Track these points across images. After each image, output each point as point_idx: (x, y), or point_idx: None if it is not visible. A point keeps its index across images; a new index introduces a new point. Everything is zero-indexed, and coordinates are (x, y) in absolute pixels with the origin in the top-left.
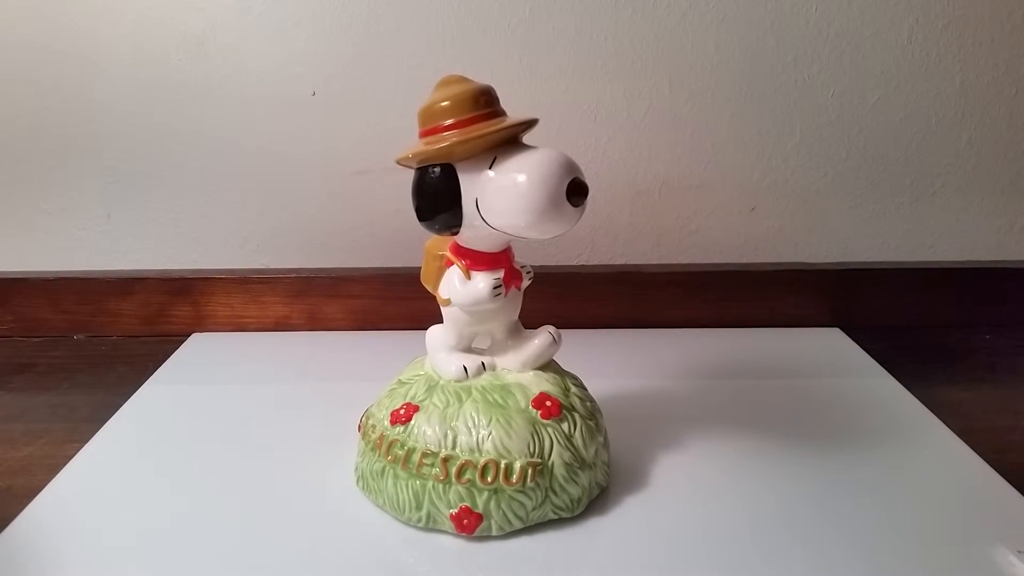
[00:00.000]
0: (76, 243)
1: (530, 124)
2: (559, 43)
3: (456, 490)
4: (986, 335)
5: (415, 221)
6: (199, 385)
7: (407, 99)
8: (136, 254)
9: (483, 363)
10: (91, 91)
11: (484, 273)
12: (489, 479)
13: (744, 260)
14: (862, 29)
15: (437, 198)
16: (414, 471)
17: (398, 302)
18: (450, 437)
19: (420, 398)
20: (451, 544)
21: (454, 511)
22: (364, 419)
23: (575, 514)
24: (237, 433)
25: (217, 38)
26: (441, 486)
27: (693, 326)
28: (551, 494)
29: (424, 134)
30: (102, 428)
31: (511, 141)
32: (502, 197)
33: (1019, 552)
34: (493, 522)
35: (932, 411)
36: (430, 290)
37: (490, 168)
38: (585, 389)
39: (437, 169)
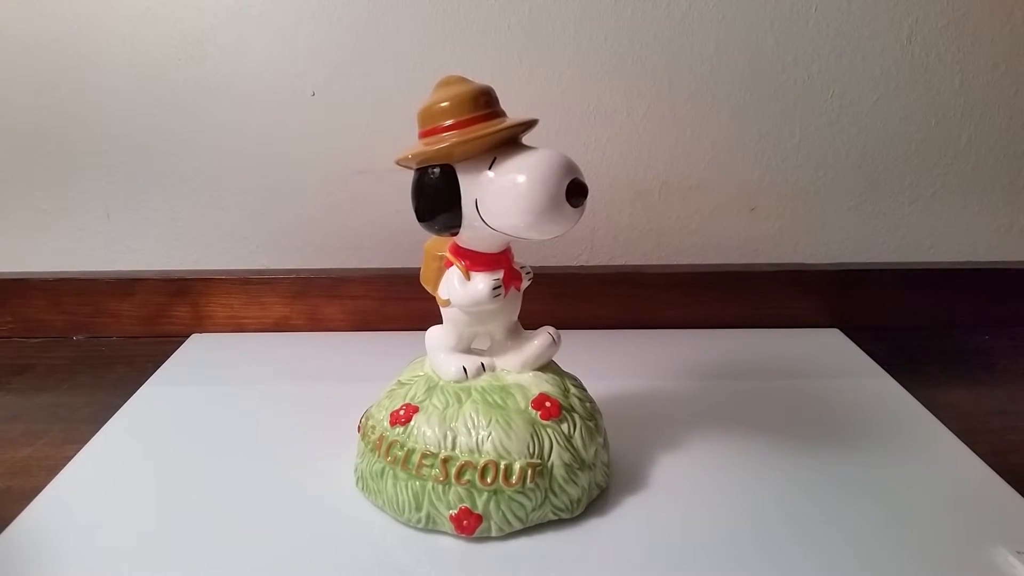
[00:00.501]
0: (76, 243)
1: (530, 125)
2: (558, 43)
3: (456, 491)
4: (986, 335)
5: (415, 221)
6: (199, 386)
7: (407, 99)
8: (136, 254)
9: (483, 364)
10: (91, 91)
11: (483, 274)
12: (489, 480)
13: (743, 260)
14: (862, 29)
15: (437, 199)
16: (414, 472)
17: (398, 303)
18: (450, 438)
19: (420, 399)
20: (451, 545)
21: (454, 512)
22: (364, 420)
23: (575, 515)
24: (237, 434)
25: (217, 38)
26: (441, 487)
27: (693, 327)
28: (551, 495)
29: (424, 135)
30: (102, 429)
31: (511, 142)
32: (502, 198)
33: (1019, 552)
34: (493, 523)
35: (931, 411)
36: (430, 291)
37: (490, 169)
38: (584, 390)
39: (437, 170)
